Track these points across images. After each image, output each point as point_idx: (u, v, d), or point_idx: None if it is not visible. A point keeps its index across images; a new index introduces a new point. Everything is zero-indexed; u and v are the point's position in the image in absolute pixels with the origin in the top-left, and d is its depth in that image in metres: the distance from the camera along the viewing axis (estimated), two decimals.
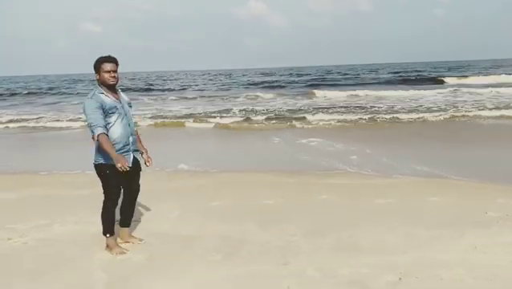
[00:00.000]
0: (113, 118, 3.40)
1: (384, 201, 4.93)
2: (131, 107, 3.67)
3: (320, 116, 14.01)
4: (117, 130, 3.42)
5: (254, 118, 14.04)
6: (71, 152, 9.34)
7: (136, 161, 3.63)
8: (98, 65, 3.42)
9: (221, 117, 14.57)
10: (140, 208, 4.82)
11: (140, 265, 3.41)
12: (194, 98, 23.55)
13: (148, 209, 4.79)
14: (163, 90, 32.23)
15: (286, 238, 3.90)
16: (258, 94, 24.17)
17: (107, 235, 3.62)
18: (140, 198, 5.15)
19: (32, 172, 7.08)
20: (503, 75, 31.32)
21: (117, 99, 3.49)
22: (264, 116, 14.36)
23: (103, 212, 3.59)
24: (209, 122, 13.63)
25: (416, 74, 38.87)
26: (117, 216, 3.76)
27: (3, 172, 7.12)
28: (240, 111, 16.38)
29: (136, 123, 3.86)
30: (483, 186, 5.58)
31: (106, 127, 3.33)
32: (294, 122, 12.90)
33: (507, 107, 14.24)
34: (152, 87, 35.44)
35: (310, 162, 7.47)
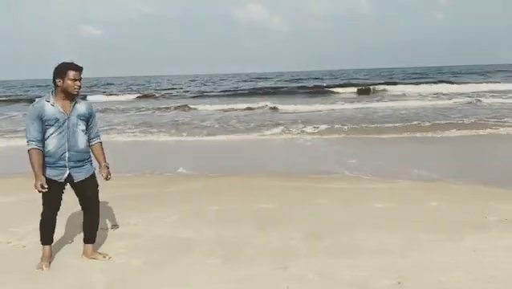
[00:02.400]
0: (50, 130, 3.23)
1: (383, 205, 4.93)
2: (84, 120, 3.40)
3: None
4: (51, 143, 3.24)
5: None
6: None
7: (88, 176, 3.44)
8: (63, 70, 3.22)
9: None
10: (138, 212, 4.82)
11: (139, 268, 3.41)
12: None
13: (146, 213, 4.78)
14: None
15: (286, 241, 3.90)
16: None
17: (41, 243, 3.51)
18: (139, 202, 5.18)
19: (31, 175, 7.06)
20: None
21: (66, 110, 3.28)
22: None
23: (40, 221, 3.48)
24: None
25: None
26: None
27: (2, 176, 7.11)
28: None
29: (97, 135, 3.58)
30: (482, 190, 5.59)
31: (41, 140, 3.21)
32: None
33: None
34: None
35: (309, 165, 7.48)
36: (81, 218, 3.65)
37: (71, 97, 3.30)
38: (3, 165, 8.58)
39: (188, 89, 38.42)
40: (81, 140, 3.37)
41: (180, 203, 5.22)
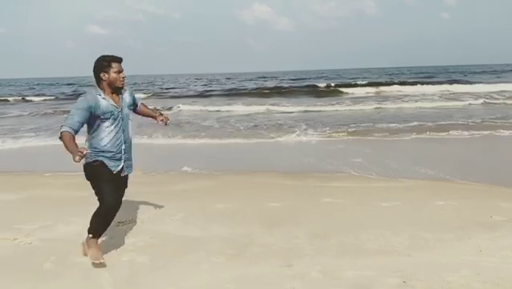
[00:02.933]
0: (106, 124, 3.17)
1: (389, 205, 4.91)
2: (132, 108, 3.45)
3: None
4: (109, 138, 3.20)
5: None
6: None
7: (124, 175, 3.41)
8: (106, 64, 3.15)
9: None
10: (144, 210, 4.83)
11: (145, 266, 3.41)
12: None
13: (152, 211, 4.79)
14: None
15: (291, 240, 3.89)
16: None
17: (90, 236, 3.37)
18: (144, 200, 5.18)
19: (36, 173, 7.11)
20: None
21: (117, 103, 3.25)
22: None
23: (100, 212, 3.35)
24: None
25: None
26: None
27: (8, 174, 7.16)
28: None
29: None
30: (487, 189, 5.56)
31: (77, 130, 3.07)
32: None
33: None
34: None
35: (314, 164, 7.47)
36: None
37: (117, 91, 3.25)
38: (7, 163, 8.65)
39: (192, 88, 38.57)
40: (131, 130, 3.41)
41: (186, 201, 5.22)
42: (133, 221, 4.48)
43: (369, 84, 32.10)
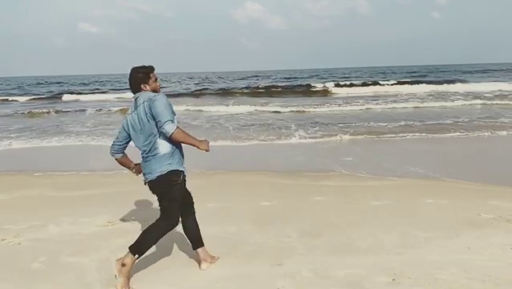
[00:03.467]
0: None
1: (380, 203, 4.95)
2: None
3: None
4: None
5: None
6: (66, 154, 9.31)
7: None
8: (146, 76, 3.16)
9: None
10: (137, 208, 4.82)
11: (136, 266, 3.39)
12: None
13: (145, 210, 4.78)
14: None
15: (282, 239, 3.91)
16: None
17: (136, 256, 3.04)
18: (137, 198, 5.17)
19: (26, 173, 7.05)
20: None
21: None
22: None
23: (152, 230, 3.10)
24: None
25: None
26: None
27: None
28: None
29: None
30: (475, 188, 5.62)
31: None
32: None
33: None
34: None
35: (306, 164, 7.49)
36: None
37: None
38: None
39: (184, 86, 38.39)
40: None
41: None
42: (125, 220, 4.47)
43: (361, 84, 32.16)
